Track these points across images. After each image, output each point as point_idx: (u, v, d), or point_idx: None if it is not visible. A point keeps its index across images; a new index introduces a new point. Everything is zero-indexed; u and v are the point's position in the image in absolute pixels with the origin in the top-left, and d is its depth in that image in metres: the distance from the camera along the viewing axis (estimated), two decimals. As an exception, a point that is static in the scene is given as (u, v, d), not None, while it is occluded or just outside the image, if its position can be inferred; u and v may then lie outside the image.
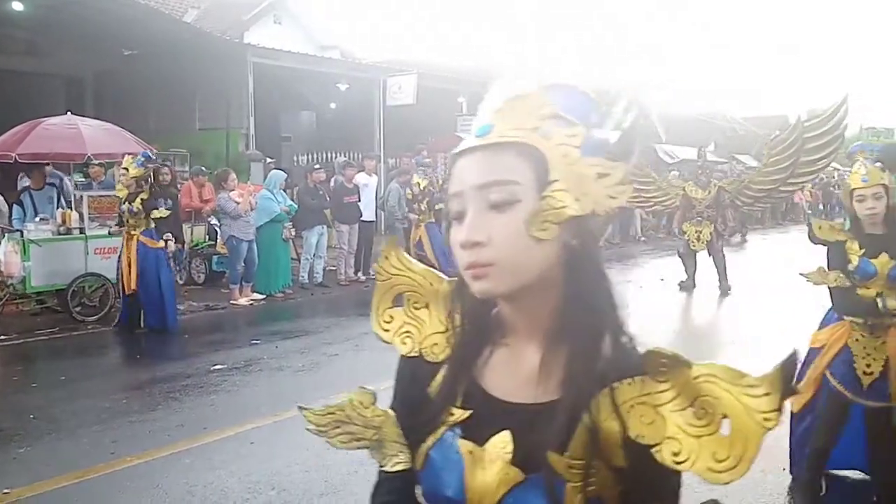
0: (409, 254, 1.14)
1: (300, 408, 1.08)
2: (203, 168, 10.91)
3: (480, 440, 0.93)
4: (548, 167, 0.89)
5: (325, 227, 10.38)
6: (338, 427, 1.08)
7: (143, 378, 5.98)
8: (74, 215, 8.39)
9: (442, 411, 0.97)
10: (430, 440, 0.97)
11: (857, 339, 3.30)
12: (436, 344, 1.03)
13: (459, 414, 0.96)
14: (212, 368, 6.17)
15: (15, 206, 8.54)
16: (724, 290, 10.10)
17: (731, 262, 10.47)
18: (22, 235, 7.83)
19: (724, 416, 0.81)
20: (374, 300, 1.12)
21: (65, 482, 3.95)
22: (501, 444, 0.91)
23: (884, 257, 3.15)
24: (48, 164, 9.06)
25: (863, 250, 3.19)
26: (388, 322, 1.10)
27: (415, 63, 17.60)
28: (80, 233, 8.22)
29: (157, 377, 5.97)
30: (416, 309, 1.09)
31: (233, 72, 13.76)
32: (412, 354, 1.05)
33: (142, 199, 7.27)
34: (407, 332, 1.07)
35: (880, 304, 3.15)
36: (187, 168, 12.88)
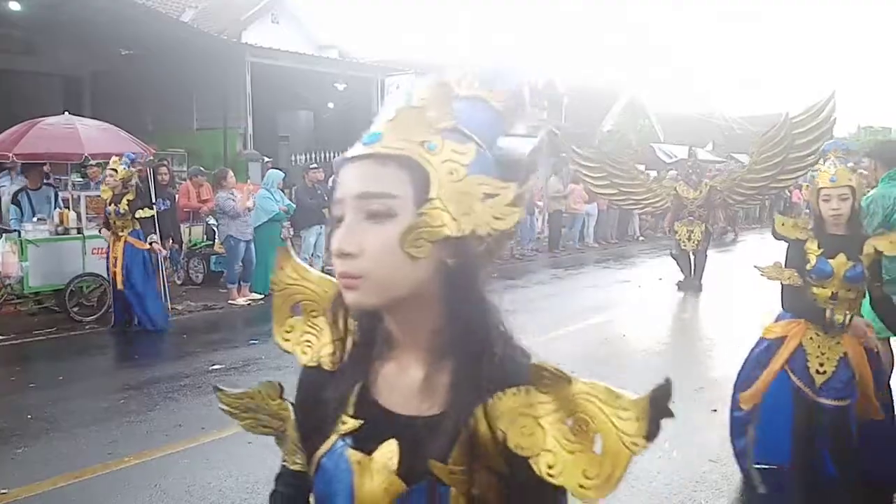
0: None
1: (215, 388, 1.15)
2: (201, 168, 10.89)
3: (370, 450, 0.92)
4: (429, 183, 0.87)
5: (322, 226, 10.38)
6: (247, 412, 1.14)
7: (141, 378, 5.97)
8: (72, 215, 8.37)
9: (334, 420, 0.97)
10: (323, 448, 0.97)
11: (811, 338, 3.27)
12: (332, 352, 1.02)
13: (351, 423, 0.95)
14: (210, 368, 6.17)
15: (12, 206, 8.52)
16: (697, 288, 10.19)
17: (726, 260, 10.50)
18: (19, 235, 7.82)
19: (597, 434, 0.81)
20: (273, 311, 1.12)
21: (63, 482, 3.95)
22: (388, 453, 0.91)
23: (841, 257, 3.12)
24: (45, 164, 9.05)
25: (821, 250, 3.16)
26: (288, 332, 1.10)
27: (412, 63, 17.59)
28: (78, 233, 8.21)
29: (155, 377, 5.96)
30: (314, 317, 1.09)
31: (230, 71, 13.76)
32: (311, 364, 1.05)
33: (128, 201, 7.22)
34: (307, 341, 1.07)
35: (828, 315, 3.13)
36: (185, 168, 12.88)
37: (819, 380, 3.24)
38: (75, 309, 7.92)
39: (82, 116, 9.99)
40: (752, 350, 3.65)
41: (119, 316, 7.62)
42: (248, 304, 9.19)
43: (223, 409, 1.14)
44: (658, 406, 0.78)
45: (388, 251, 0.86)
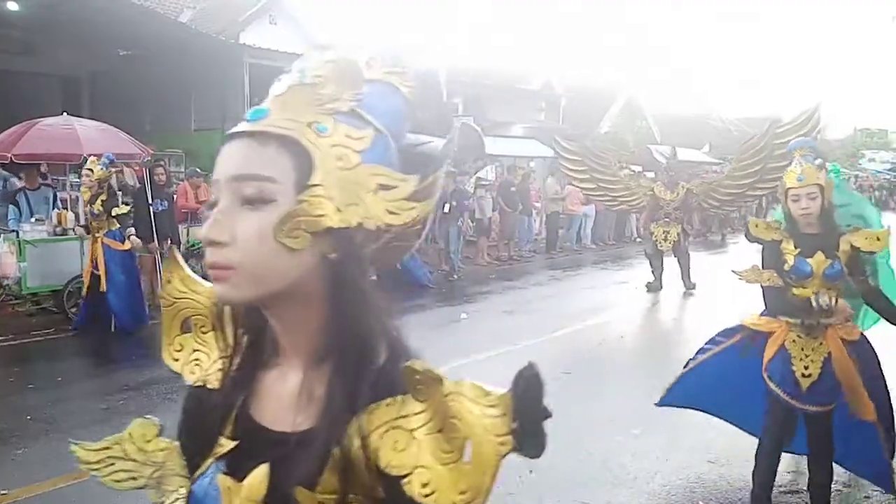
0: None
1: (70, 442, 1.04)
2: (197, 170, 10.90)
3: (243, 474, 0.82)
4: (312, 168, 0.79)
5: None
6: (112, 464, 1.02)
7: (140, 379, 5.97)
8: (70, 216, 8.37)
9: (213, 442, 0.87)
10: (197, 474, 0.88)
11: (794, 340, 3.23)
12: (220, 369, 0.92)
13: (225, 444, 0.86)
14: (209, 369, 6.17)
15: (10, 206, 8.52)
16: (689, 287, 10.20)
17: (722, 262, 10.50)
18: (18, 236, 7.81)
19: (467, 439, 0.70)
20: (163, 328, 1.03)
21: (62, 483, 3.96)
22: (258, 479, 0.81)
23: (819, 256, 3.09)
24: (40, 164, 9.05)
25: (798, 250, 3.13)
26: (178, 351, 1.02)
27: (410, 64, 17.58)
28: (76, 233, 8.20)
29: (155, 378, 5.95)
30: (204, 333, 1.00)
31: (229, 72, 13.75)
32: (198, 384, 0.95)
33: (102, 201, 7.13)
34: (196, 359, 0.99)
35: (814, 302, 3.10)
36: (183, 169, 12.88)
37: (805, 383, 3.19)
38: (73, 310, 7.89)
39: (80, 117, 9.99)
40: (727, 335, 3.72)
41: (83, 318, 7.48)
42: (247, 305, 9.17)
43: (82, 468, 1.02)
44: (522, 397, 0.67)
45: (261, 240, 0.77)
